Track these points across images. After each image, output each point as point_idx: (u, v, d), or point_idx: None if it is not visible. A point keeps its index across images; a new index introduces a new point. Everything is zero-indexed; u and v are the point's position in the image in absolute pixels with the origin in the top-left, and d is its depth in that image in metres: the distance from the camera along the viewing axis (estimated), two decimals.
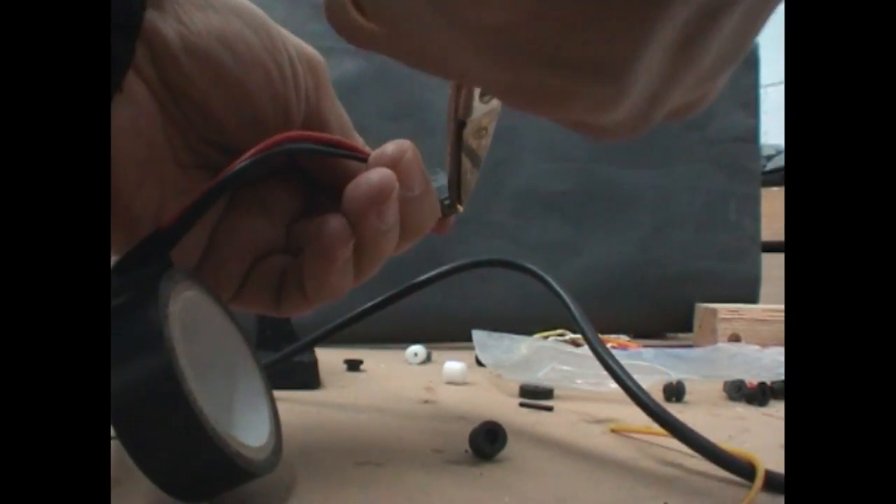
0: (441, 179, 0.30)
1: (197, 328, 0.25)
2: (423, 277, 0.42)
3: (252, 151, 0.26)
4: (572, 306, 0.38)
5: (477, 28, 0.16)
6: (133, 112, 0.25)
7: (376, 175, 0.26)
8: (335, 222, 0.26)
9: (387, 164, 0.27)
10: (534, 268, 0.40)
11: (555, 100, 0.18)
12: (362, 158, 0.28)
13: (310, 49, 0.29)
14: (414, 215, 0.28)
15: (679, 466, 0.31)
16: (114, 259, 0.25)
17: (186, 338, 0.23)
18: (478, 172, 0.30)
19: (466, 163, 0.28)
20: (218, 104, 0.26)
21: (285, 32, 0.28)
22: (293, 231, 0.30)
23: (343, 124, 0.30)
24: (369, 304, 0.42)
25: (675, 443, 0.31)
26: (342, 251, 0.27)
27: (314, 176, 0.30)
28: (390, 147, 0.28)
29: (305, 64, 0.28)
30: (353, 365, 0.55)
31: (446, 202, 0.30)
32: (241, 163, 0.26)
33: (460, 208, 0.30)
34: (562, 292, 0.38)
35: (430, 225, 0.29)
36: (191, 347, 0.23)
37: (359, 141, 0.31)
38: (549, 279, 0.39)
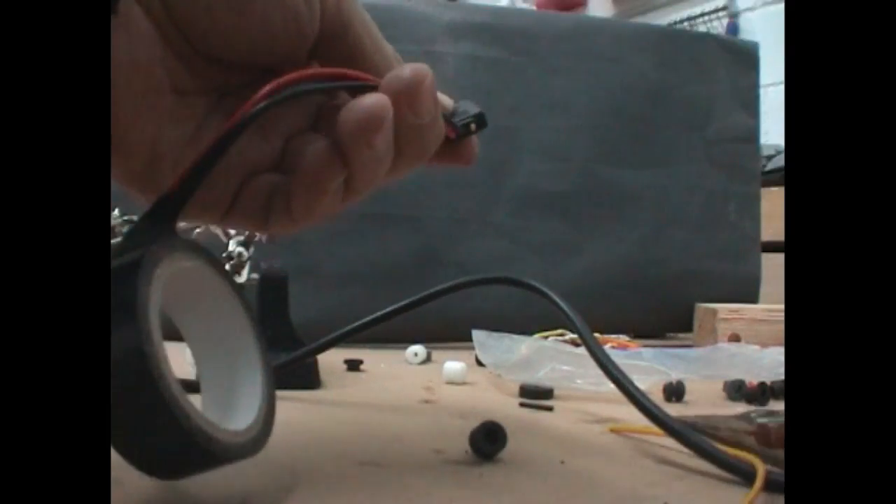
0: (464, 105, 0.29)
1: (196, 301, 0.25)
2: (425, 293, 0.42)
3: (259, 95, 0.25)
4: (573, 316, 0.38)
5: None
6: (130, 42, 0.24)
7: (369, 101, 0.25)
8: (318, 149, 0.25)
9: (401, 89, 0.26)
10: (536, 283, 0.40)
11: None
12: (372, 87, 0.26)
13: None
14: (419, 142, 0.27)
15: (679, 466, 0.31)
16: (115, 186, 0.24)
17: (180, 309, 0.23)
18: None
19: None
20: (224, 22, 0.25)
21: None
22: (289, 147, 0.28)
23: (368, 28, 0.28)
24: (371, 316, 0.42)
25: (675, 443, 0.31)
26: (330, 181, 0.26)
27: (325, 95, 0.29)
28: (407, 71, 0.26)
29: None
30: (353, 365, 0.55)
31: (462, 122, 0.29)
32: (244, 113, 0.25)
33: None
34: (561, 303, 0.38)
35: (432, 151, 0.28)
36: (187, 320, 0.23)
37: (388, 49, 0.29)
38: (551, 293, 0.39)
